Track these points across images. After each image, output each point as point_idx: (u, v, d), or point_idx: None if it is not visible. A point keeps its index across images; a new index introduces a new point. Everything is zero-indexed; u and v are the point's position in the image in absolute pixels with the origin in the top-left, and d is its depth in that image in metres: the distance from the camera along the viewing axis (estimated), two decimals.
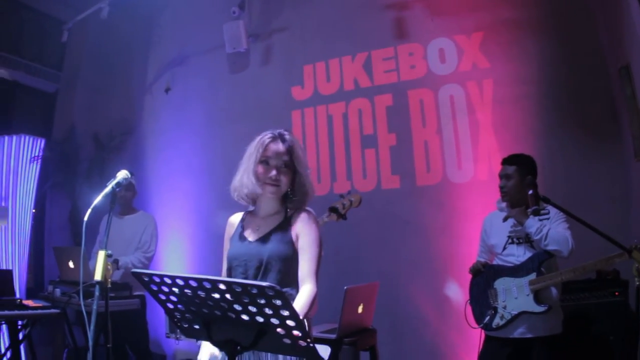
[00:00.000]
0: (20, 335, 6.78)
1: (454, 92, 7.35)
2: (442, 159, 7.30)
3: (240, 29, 8.39)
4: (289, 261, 3.48)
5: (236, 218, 3.80)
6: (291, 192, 3.61)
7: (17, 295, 7.33)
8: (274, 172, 3.53)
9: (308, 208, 3.63)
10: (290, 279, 3.46)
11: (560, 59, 6.85)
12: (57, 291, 6.68)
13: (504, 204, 5.09)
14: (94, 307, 3.52)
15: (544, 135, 6.81)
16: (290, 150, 3.59)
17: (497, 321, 4.85)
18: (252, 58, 8.80)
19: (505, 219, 4.98)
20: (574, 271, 4.64)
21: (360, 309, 5.01)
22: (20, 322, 6.73)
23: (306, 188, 3.61)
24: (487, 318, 4.91)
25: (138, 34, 9.73)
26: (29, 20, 9.24)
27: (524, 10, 7.08)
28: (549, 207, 4.89)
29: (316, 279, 3.41)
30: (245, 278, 3.45)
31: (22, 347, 7.13)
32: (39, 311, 6.35)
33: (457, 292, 6.65)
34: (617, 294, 5.57)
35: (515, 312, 4.74)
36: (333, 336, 4.72)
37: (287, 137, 3.63)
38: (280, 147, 3.58)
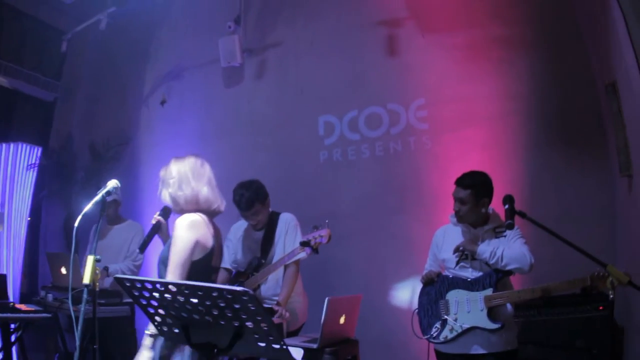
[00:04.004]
0: (12, 338, 6.84)
1: (444, 108, 7.45)
2: (431, 175, 7.38)
3: (235, 43, 8.48)
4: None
5: None
6: None
7: (11, 299, 7.41)
8: None
9: (183, 216, 4.15)
10: None
11: (549, 76, 6.95)
12: (50, 296, 6.76)
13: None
14: (82, 309, 3.61)
15: (532, 151, 6.90)
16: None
17: (446, 334, 4.77)
18: (246, 72, 8.89)
19: (455, 251, 4.86)
20: (533, 291, 4.57)
21: (342, 320, 5.05)
22: (12, 326, 6.80)
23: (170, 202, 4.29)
24: (435, 330, 4.85)
25: (135, 46, 9.81)
26: (30, 30, 9.32)
27: (514, 27, 7.17)
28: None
29: (171, 276, 3.91)
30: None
31: (14, 353, 7.19)
32: (31, 315, 6.41)
33: None
34: (601, 308, 5.61)
35: (467, 326, 4.67)
36: (315, 345, 4.78)
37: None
38: None
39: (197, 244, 4.04)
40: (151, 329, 3.81)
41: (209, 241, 4.17)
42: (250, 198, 5.59)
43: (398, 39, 7.80)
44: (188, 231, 4.01)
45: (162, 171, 4.35)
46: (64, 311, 6.51)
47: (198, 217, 4.12)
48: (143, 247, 4.84)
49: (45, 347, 7.50)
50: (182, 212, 4.18)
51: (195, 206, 4.19)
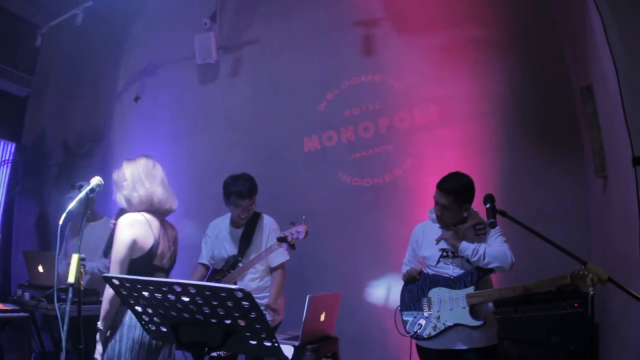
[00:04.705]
0: None
1: (419, 108, 7.49)
2: (407, 173, 7.44)
3: (211, 40, 8.45)
4: None
5: None
6: None
7: None
8: None
9: (125, 214, 4.31)
10: None
11: (525, 77, 7.02)
12: (26, 295, 6.68)
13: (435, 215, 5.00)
14: (67, 308, 3.60)
15: (508, 151, 6.97)
16: None
17: (429, 331, 4.80)
18: (222, 69, 8.87)
19: (438, 241, 4.90)
20: (514, 289, 4.63)
21: (322, 317, 5.08)
22: None
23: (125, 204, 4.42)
24: (418, 327, 4.86)
25: (110, 41, 9.72)
26: (3, 23, 9.17)
27: (492, 29, 7.23)
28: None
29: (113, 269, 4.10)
30: None
31: None
32: (8, 314, 6.33)
33: None
34: (576, 305, 5.70)
35: (450, 324, 4.71)
36: (296, 343, 4.80)
37: None
38: None
39: (135, 243, 4.16)
40: (99, 324, 4.10)
41: (149, 241, 4.27)
42: (251, 187, 5.73)
43: (374, 39, 7.82)
44: (126, 230, 4.15)
45: (114, 174, 4.51)
46: (40, 310, 6.46)
47: (140, 217, 4.26)
48: (107, 252, 4.96)
49: (19, 347, 7.42)
50: (135, 212, 4.32)
51: (148, 206, 4.34)
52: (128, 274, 4.06)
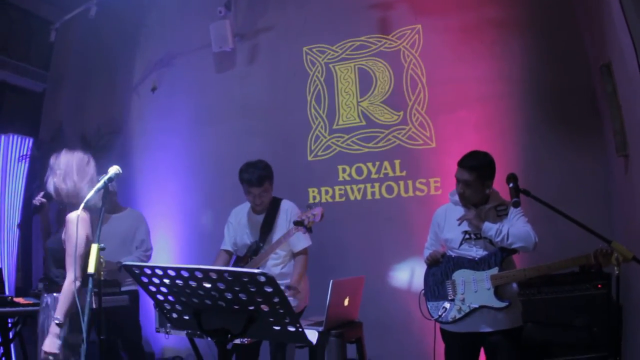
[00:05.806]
0: (11, 334, 6.79)
1: (437, 90, 7.45)
2: (426, 156, 7.41)
3: (226, 28, 8.40)
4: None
5: None
6: None
7: (7, 294, 7.35)
8: None
9: (74, 212, 4.27)
10: None
11: (543, 57, 6.97)
12: None
13: (457, 197, 4.98)
14: (88, 299, 3.60)
15: (527, 132, 6.93)
16: None
17: (454, 314, 4.78)
18: (238, 57, 8.81)
19: (460, 221, 4.88)
20: (538, 269, 4.61)
21: (346, 302, 5.06)
22: (10, 320, 6.74)
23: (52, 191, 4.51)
24: (443, 310, 4.84)
25: (125, 33, 9.67)
26: (17, 20, 9.20)
27: (508, 9, 7.18)
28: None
29: (73, 270, 4.22)
30: None
31: (11, 346, 7.13)
32: (30, 308, 6.34)
33: None
34: (600, 286, 5.69)
35: (475, 306, 4.68)
36: (320, 328, 4.78)
37: None
38: None
39: (87, 239, 4.29)
40: (59, 317, 4.15)
41: (91, 236, 4.39)
42: (261, 175, 5.70)
43: (391, 22, 7.76)
44: (82, 227, 4.24)
45: (52, 158, 4.59)
46: None
47: (84, 214, 4.32)
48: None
49: (41, 339, 7.44)
50: (62, 204, 4.49)
51: (75, 200, 4.40)
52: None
